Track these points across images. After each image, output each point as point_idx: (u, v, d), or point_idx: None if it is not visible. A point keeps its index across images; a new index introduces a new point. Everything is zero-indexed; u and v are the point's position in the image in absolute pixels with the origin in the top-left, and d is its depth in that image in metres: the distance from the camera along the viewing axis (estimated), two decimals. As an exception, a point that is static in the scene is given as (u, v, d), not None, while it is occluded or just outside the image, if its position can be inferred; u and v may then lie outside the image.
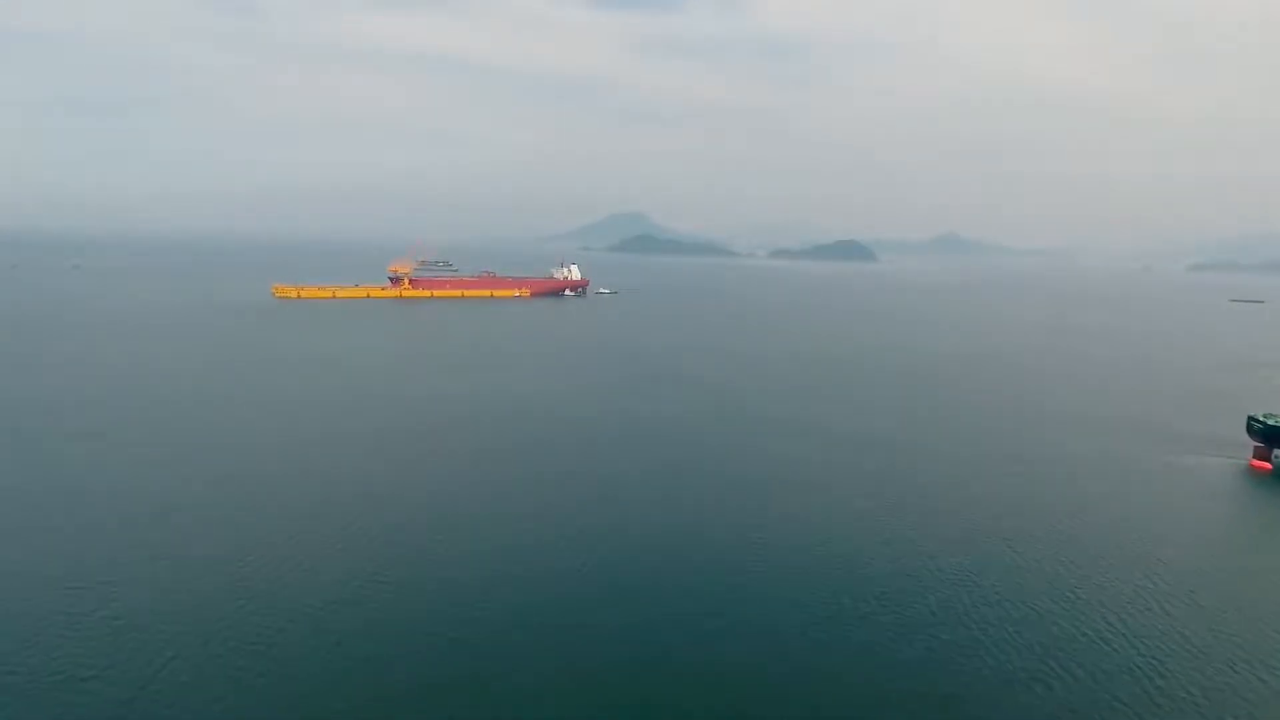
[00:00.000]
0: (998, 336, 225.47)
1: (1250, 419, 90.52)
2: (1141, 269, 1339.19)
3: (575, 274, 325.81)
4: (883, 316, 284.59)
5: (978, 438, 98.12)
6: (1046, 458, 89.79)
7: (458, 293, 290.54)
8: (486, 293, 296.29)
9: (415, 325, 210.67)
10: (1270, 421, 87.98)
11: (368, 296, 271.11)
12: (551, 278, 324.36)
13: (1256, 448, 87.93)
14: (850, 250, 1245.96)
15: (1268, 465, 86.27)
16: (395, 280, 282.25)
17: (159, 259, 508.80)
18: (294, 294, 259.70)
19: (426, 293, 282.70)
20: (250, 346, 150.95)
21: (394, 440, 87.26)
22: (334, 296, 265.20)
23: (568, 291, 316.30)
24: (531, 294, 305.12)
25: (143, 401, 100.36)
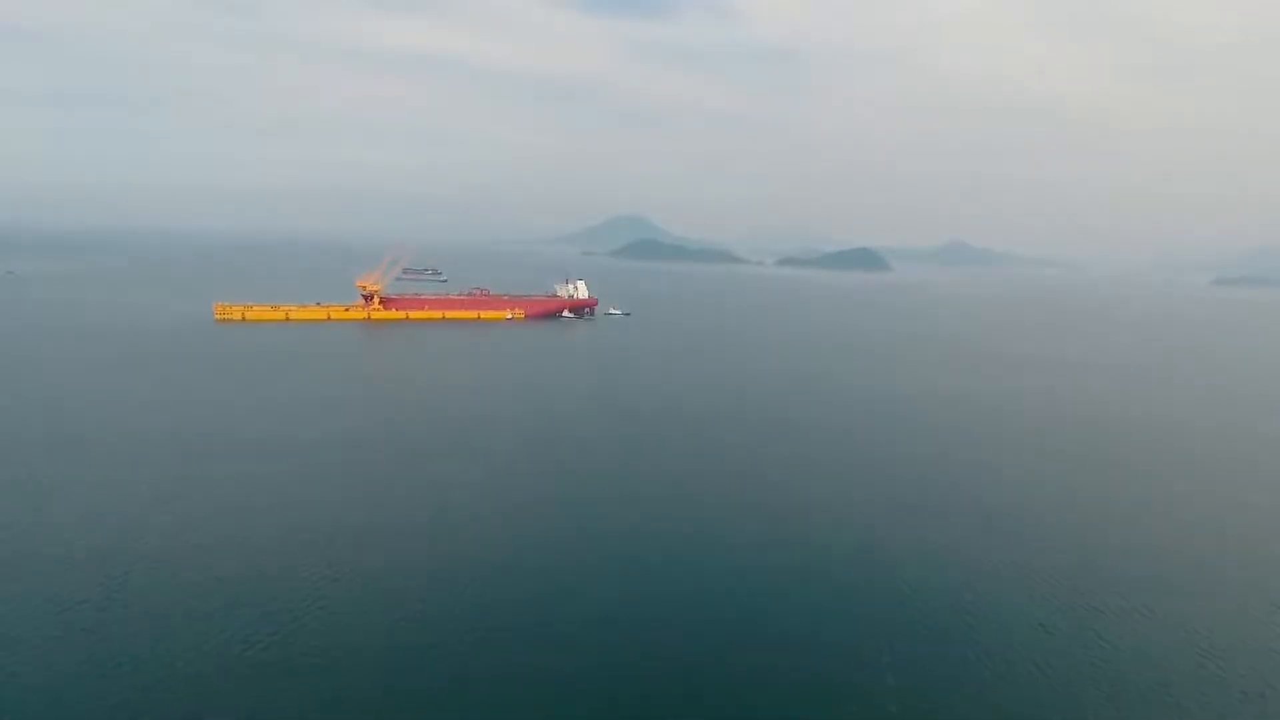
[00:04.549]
0: (1148, 385, 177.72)
1: None
2: (1163, 282, 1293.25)
3: (583, 291, 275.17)
4: (1014, 357, 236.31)
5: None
6: None
7: (438, 314, 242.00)
8: (473, 314, 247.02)
9: (362, 366, 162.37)
10: None
11: (328, 319, 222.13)
12: (554, 296, 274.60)
13: None
14: (862, 258, 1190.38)
15: None
16: (367, 298, 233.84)
17: (111, 261, 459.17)
18: (238, 315, 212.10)
19: (400, 314, 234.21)
20: (104, 420, 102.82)
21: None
22: (286, 319, 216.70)
23: (567, 313, 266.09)
24: (526, 315, 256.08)
25: None
